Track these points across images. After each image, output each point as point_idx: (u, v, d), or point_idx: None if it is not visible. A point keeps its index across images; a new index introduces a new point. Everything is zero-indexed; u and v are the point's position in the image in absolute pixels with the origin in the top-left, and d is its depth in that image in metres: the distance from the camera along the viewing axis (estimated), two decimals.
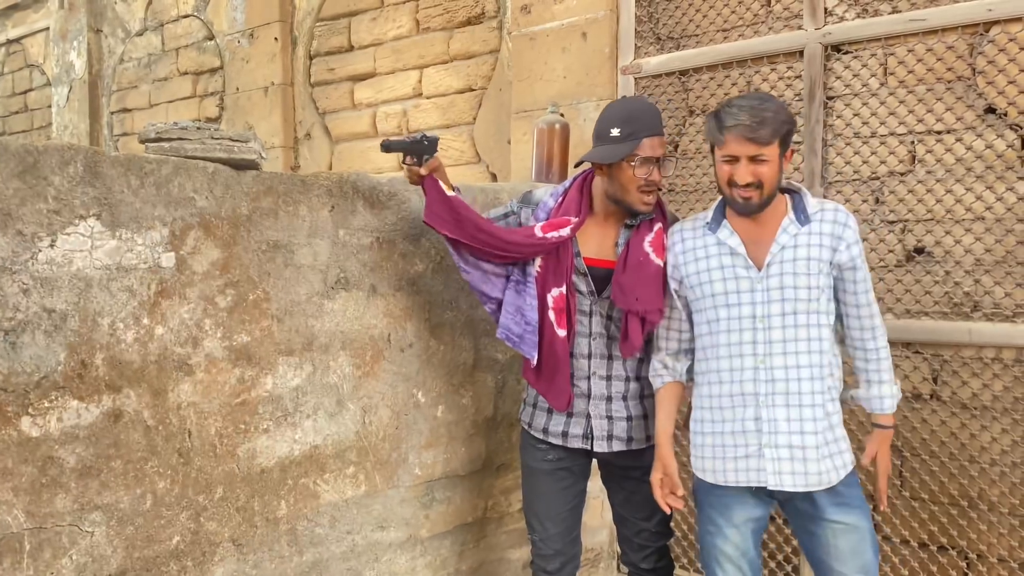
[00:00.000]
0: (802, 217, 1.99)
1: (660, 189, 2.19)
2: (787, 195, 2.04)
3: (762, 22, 2.97)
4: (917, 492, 2.62)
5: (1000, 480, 2.49)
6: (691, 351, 2.16)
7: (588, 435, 2.25)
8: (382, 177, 2.41)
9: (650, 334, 2.20)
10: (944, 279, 2.57)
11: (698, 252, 2.07)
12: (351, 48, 4.63)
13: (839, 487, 1.94)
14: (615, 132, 2.11)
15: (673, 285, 2.14)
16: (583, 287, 2.23)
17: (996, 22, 2.49)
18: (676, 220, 2.26)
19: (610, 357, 2.25)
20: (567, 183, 2.30)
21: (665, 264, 2.14)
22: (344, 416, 2.29)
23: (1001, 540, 2.50)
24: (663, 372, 2.18)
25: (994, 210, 2.50)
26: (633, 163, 2.10)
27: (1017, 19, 2.45)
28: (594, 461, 2.36)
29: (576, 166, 2.27)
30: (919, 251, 2.63)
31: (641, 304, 2.12)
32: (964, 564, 2.57)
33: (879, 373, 2.04)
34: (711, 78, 3.08)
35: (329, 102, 4.78)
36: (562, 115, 3.14)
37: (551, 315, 2.19)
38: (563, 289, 2.19)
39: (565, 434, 2.27)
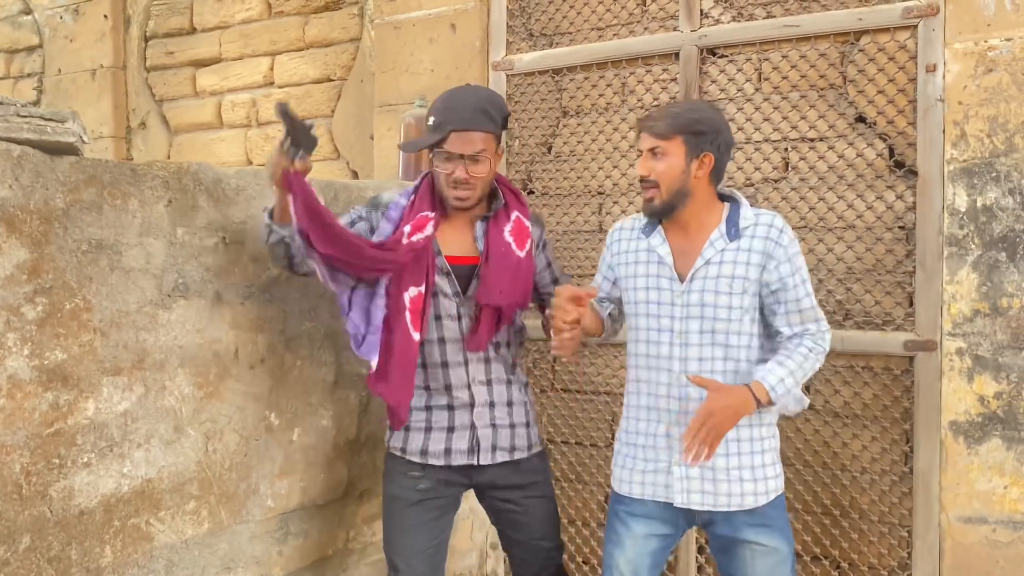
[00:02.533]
0: (732, 231, 1.89)
1: (472, 186, 2.01)
2: (726, 204, 1.95)
3: (637, 22, 2.89)
4: (791, 502, 2.60)
5: (870, 488, 2.51)
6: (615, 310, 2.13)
7: (474, 448, 2.08)
8: (228, 169, 2.13)
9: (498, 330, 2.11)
10: (817, 287, 2.56)
11: (629, 256, 2.00)
12: (193, 30, 4.26)
13: (764, 511, 1.87)
14: (431, 120, 2.00)
15: (607, 287, 2.09)
16: (447, 288, 2.07)
17: (866, 31, 2.51)
18: (538, 216, 2.24)
19: (487, 360, 2.11)
20: (417, 181, 2.14)
21: (528, 255, 2.08)
22: (183, 444, 1.98)
23: (871, 548, 2.51)
24: None
25: (864, 218, 2.52)
26: (441, 157, 1.99)
27: (886, 29, 2.48)
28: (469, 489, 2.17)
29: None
30: None
31: (504, 297, 2.03)
32: (836, 573, 2.57)
33: (789, 362, 1.86)
34: (585, 78, 2.97)
35: (167, 89, 4.37)
36: None
37: (407, 316, 2.00)
38: (421, 289, 2.02)
39: (448, 451, 2.08)
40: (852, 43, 2.54)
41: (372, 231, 2.09)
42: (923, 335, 2.39)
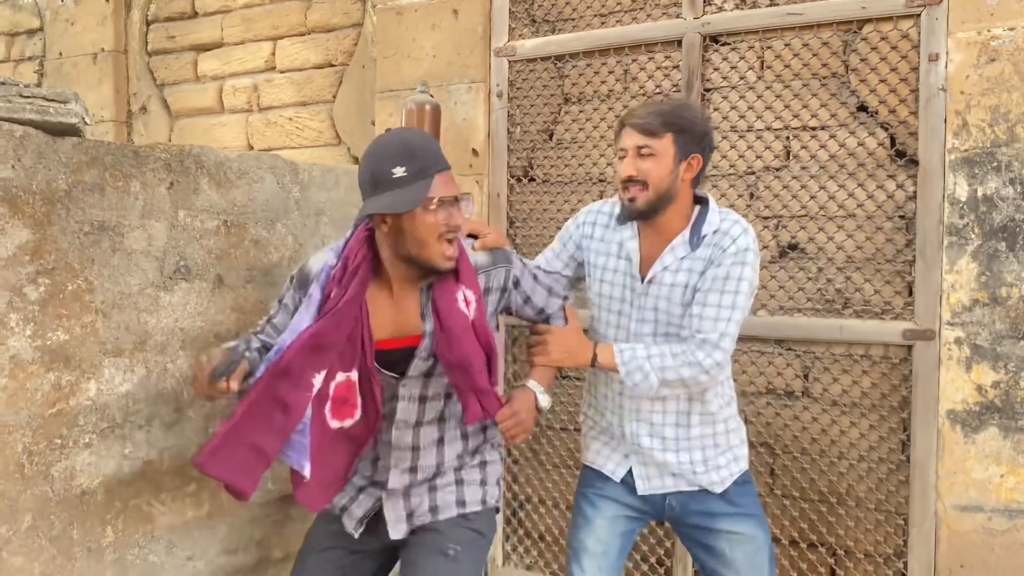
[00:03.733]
0: (695, 240, 1.83)
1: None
2: (696, 206, 1.90)
3: (640, 8, 2.88)
4: (788, 490, 2.61)
5: (867, 476, 2.52)
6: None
7: (363, 521, 1.86)
8: (230, 153, 2.13)
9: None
10: (816, 276, 2.57)
11: (601, 246, 1.98)
12: (195, 14, 4.22)
13: (734, 496, 1.89)
14: (399, 172, 1.63)
15: (572, 267, 2.05)
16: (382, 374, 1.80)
17: (869, 20, 2.50)
18: (504, 254, 1.87)
19: (414, 448, 1.85)
20: (347, 235, 1.79)
21: (478, 312, 1.77)
22: (185, 426, 1.99)
23: (867, 535, 2.52)
24: None
25: (865, 207, 2.52)
26: (432, 207, 1.65)
27: (888, 18, 2.47)
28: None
29: (357, 222, 1.78)
30: (792, 247, 2.62)
31: (468, 359, 1.72)
32: (832, 560, 2.58)
33: (653, 348, 1.78)
34: (587, 65, 2.96)
35: (169, 73, 4.34)
36: (432, 96, 2.93)
37: (326, 409, 1.72)
38: (351, 374, 1.73)
39: (344, 509, 1.87)
40: (855, 31, 2.53)
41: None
42: (922, 324, 2.40)
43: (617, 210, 1.96)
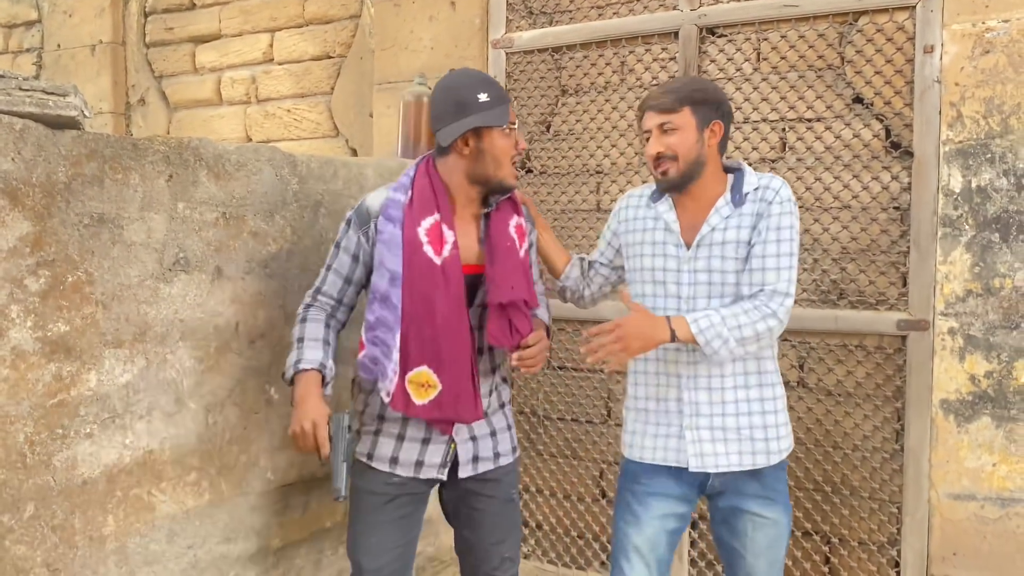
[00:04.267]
0: (737, 198, 1.88)
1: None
2: (730, 175, 1.94)
3: (637, 0, 2.88)
4: None
5: (861, 465, 2.54)
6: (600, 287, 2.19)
7: (446, 463, 1.96)
8: (229, 145, 2.14)
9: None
10: (812, 267, 2.58)
11: (636, 223, 2.00)
12: (193, 6, 4.23)
13: (768, 478, 1.89)
14: (484, 97, 1.84)
15: (609, 254, 2.12)
16: None
17: (864, 12, 2.52)
18: (528, 215, 2.07)
19: (492, 371, 2.01)
20: (410, 172, 1.94)
21: (525, 257, 1.96)
22: (184, 416, 2.01)
23: (861, 524, 2.55)
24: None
25: (860, 199, 2.53)
26: (508, 131, 1.87)
27: (884, 10, 2.48)
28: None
29: (444, 145, 1.88)
30: None
31: (517, 292, 1.87)
32: (827, 548, 2.61)
33: (724, 311, 1.80)
34: (584, 56, 2.97)
35: (167, 65, 4.35)
36: (430, 88, 2.94)
37: (426, 249, 1.84)
38: (438, 216, 1.86)
39: (420, 464, 1.95)
40: (850, 23, 2.54)
41: (372, 246, 1.92)
42: (916, 315, 2.42)
43: (648, 192, 2.02)
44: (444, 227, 1.86)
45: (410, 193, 1.89)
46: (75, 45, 4.51)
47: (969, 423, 2.35)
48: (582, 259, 2.20)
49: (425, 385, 1.87)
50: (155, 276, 1.93)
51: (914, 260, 2.43)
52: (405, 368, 1.87)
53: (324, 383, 1.90)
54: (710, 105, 1.87)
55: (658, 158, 1.89)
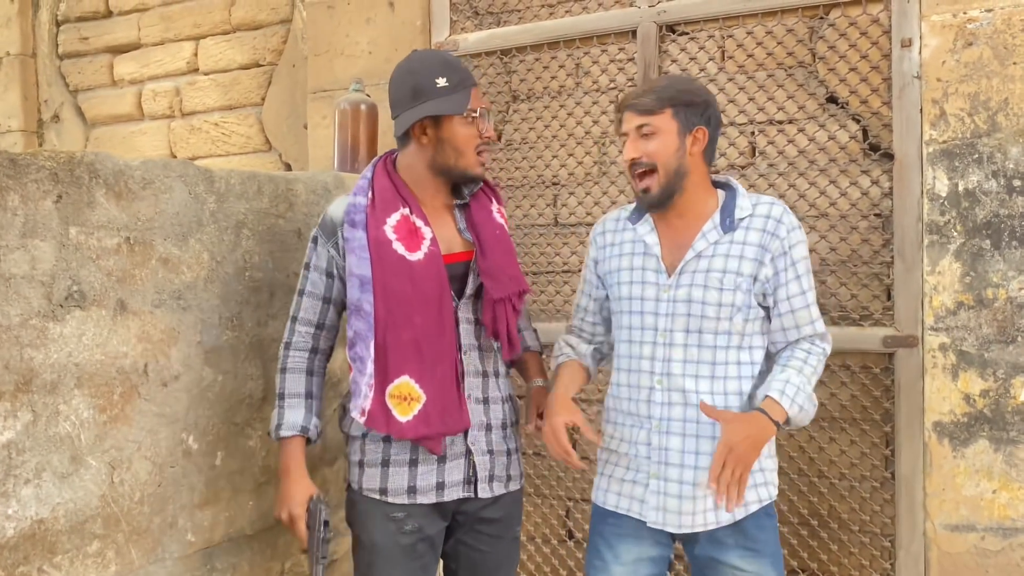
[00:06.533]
0: (728, 222, 1.71)
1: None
2: (720, 191, 1.78)
3: None
4: None
5: (850, 495, 2.34)
6: (602, 345, 1.96)
7: (471, 479, 1.78)
8: (132, 160, 1.85)
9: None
10: None
11: (614, 248, 1.83)
12: (109, 14, 3.96)
13: (749, 528, 1.68)
14: (442, 82, 1.72)
15: (594, 282, 1.90)
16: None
17: (836, 4, 2.36)
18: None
19: (485, 375, 1.84)
20: (367, 173, 1.84)
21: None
22: (83, 476, 1.71)
23: (851, 559, 2.35)
24: (566, 351, 1.91)
25: (838, 206, 2.36)
26: (471, 118, 1.74)
27: (857, 2, 2.32)
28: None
29: (401, 134, 1.79)
30: None
31: (515, 284, 1.79)
32: None
33: (790, 371, 1.68)
34: (536, 59, 2.76)
35: (82, 78, 4.04)
36: (368, 95, 2.69)
37: (395, 246, 1.71)
38: (406, 211, 1.76)
39: (441, 486, 1.76)
40: (821, 17, 2.38)
41: (344, 257, 1.79)
42: (903, 330, 2.24)
43: (626, 214, 1.86)
44: (416, 220, 1.76)
45: (370, 194, 1.78)
46: None
47: (965, 447, 2.16)
48: (590, 352, 1.94)
49: (407, 398, 1.72)
50: (42, 314, 1.64)
51: (899, 271, 2.25)
52: (384, 381, 1.73)
53: (309, 443, 1.81)
54: (695, 108, 1.70)
55: (634, 165, 1.71)
